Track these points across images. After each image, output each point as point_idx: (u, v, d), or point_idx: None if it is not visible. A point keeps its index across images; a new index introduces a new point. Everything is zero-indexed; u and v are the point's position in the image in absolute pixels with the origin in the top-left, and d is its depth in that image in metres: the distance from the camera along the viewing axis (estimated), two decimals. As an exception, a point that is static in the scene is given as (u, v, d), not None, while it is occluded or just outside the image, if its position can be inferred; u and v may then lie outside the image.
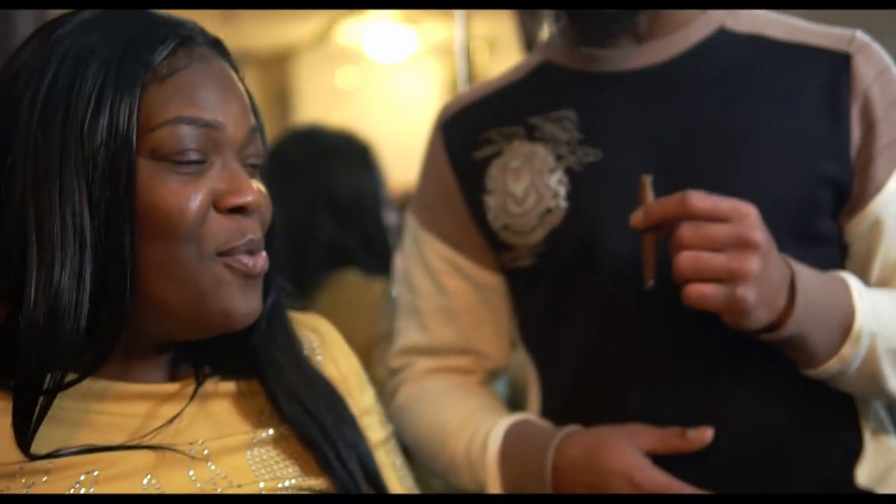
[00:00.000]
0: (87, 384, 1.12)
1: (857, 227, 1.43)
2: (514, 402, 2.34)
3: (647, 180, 1.31)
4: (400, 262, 1.69)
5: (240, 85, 1.17)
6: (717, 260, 1.25)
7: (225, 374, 1.23)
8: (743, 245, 1.25)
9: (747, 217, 1.27)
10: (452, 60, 8.07)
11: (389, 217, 2.55)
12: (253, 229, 1.14)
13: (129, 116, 1.08)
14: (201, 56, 1.14)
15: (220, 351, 1.21)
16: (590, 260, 1.45)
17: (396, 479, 1.35)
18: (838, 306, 1.34)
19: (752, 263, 1.25)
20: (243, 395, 1.23)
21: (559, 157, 1.48)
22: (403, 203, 4.46)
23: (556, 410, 1.53)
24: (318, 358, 1.32)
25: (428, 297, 1.64)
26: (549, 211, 1.48)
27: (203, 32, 1.17)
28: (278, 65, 8.55)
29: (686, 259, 1.25)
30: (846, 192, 1.41)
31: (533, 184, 1.49)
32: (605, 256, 1.44)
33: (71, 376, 1.09)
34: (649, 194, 1.30)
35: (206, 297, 1.12)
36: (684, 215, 1.26)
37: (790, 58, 1.44)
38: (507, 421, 1.51)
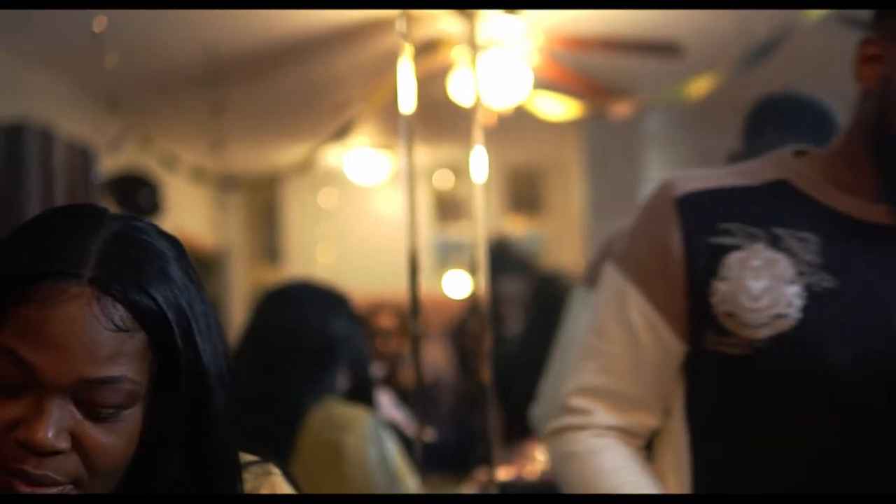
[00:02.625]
0: None
1: None
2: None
3: None
4: (596, 308, 1.72)
5: (100, 333, 1.07)
6: None
7: None
8: None
9: None
10: (425, 183, 8.17)
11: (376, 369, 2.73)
12: (36, 466, 1.06)
13: None
14: (65, 298, 1.06)
15: None
16: (811, 371, 1.53)
17: None
18: None
19: None
20: None
21: (800, 273, 1.56)
22: (370, 312, 4.49)
23: (716, 482, 1.61)
24: None
25: (620, 345, 1.66)
26: (781, 316, 1.55)
27: (95, 268, 1.08)
28: (266, 188, 8.61)
29: None
30: None
31: (771, 287, 1.55)
32: (824, 372, 1.53)
33: None
34: None
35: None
36: None
37: None
38: None
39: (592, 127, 6.51)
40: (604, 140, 6.66)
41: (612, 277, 1.70)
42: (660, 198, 1.67)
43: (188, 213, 7.31)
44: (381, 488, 2.44)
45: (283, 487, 1.29)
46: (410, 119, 2.70)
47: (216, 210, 7.28)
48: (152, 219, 1.20)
